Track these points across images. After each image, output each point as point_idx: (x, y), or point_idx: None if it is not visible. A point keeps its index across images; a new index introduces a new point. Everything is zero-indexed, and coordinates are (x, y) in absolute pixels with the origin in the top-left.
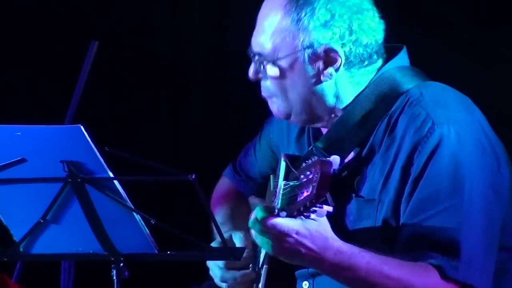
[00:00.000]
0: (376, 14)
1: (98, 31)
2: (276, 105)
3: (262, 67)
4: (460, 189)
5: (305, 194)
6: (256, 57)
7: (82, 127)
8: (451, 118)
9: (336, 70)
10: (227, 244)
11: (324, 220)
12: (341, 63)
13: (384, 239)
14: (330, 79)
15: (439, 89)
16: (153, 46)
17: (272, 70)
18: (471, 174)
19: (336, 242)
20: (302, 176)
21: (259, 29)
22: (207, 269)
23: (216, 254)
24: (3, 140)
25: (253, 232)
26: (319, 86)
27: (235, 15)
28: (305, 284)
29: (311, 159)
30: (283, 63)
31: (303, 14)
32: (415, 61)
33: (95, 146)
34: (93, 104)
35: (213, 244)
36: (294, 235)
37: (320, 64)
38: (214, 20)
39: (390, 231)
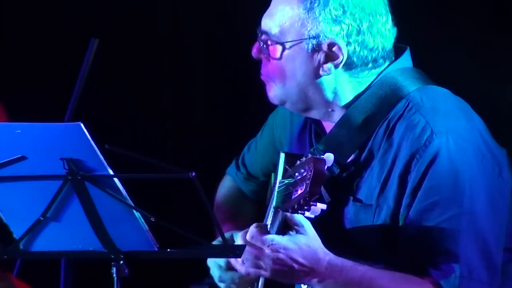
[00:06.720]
0: (390, 21)
1: (98, 28)
2: (273, 90)
3: (266, 47)
4: (459, 200)
5: (299, 191)
6: (263, 36)
7: (82, 124)
8: (450, 127)
9: (336, 67)
10: (227, 241)
11: (313, 233)
12: (342, 60)
13: (383, 245)
14: (329, 74)
15: (439, 95)
16: (154, 43)
17: (275, 52)
18: (471, 183)
19: (327, 255)
20: (296, 174)
21: (271, 10)
22: (207, 267)
23: (216, 252)
24: (3, 138)
25: (245, 259)
26: (318, 79)
27: (238, 12)
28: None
29: (306, 157)
30: (287, 47)
31: (316, 4)
32: (419, 61)
33: (95, 143)
34: (93, 101)
35: (214, 243)
36: (282, 251)
37: (322, 57)
38: (216, 17)
39: (389, 238)
